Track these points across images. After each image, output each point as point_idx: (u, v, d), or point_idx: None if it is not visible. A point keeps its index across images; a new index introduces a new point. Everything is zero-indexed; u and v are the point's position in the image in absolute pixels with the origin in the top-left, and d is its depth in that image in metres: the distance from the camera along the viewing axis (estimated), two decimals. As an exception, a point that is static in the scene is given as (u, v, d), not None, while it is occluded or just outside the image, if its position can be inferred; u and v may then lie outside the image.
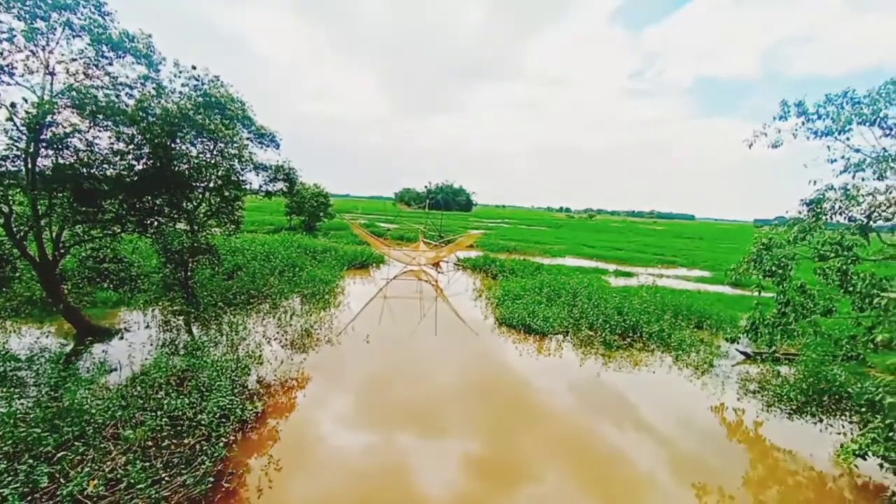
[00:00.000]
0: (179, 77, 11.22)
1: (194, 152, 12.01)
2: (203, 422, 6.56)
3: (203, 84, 11.56)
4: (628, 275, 24.98)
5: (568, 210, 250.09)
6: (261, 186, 14.00)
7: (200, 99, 11.38)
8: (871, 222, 7.13)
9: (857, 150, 7.18)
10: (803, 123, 7.79)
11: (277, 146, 13.69)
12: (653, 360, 11.82)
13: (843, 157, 7.41)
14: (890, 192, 6.73)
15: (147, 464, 5.54)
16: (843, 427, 8.63)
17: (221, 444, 6.24)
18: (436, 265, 25.41)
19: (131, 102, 9.90)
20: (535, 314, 13.86)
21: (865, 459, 6.08)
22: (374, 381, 9.52)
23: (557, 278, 18.47)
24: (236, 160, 12.78)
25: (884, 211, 6.75)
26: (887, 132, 6.86)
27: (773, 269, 8.50)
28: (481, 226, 56.46)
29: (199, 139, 11.81)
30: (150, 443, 6.00)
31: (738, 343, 12.52)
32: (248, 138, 13.02)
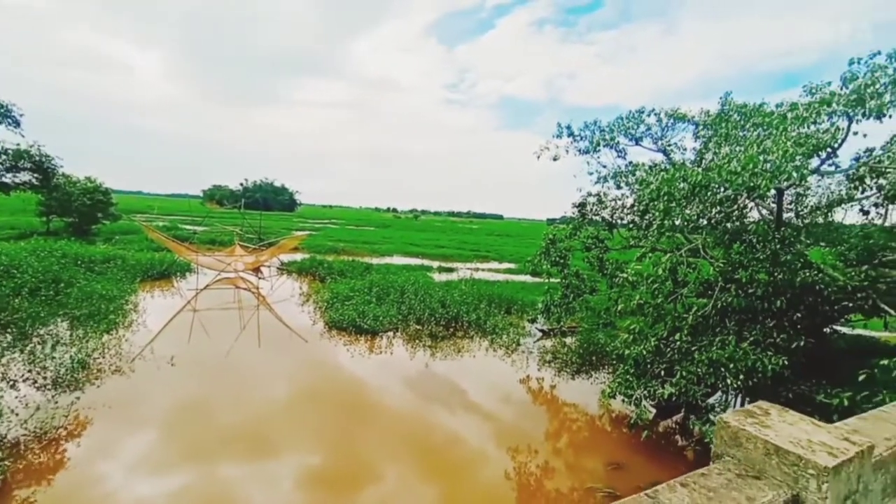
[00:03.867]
0: None
1: None
2: None
3: None
4: (450, 270, 27.34)
5: (395, 210, 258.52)
6: (-8, 178, 10.37)
7: None
8: (614, 221, 9.62)
9: (604, 167, 9.52)
10: (572, 143, 9.87)
11: (17, 123, 10.34)
12: (473, 345, 13.26)
13: (596, 171, 9.71)
14: (624, 199, 9.20)
15: None
16: (605, 378, 11.30)
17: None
18: (256, 270, 23.15)
19: None
20: (365, 314, 13.96)
21: (615, 398, 8.10)
22: (185, 410, 8.14)
23: (386, 277, 18.93)
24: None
25: (621, 212, 9.19)
26: (619, 154, 9.33)
27: (558, 259, 10.51)
28: (307, 226, 53.72)
29: None
30: None
31: (536, 322, 15.06)
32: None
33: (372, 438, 7.72)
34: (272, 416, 8.17)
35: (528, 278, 25.60)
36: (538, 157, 10.01)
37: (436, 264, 29.65)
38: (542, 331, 15.06)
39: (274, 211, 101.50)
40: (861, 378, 5.48)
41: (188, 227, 39.28)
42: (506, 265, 33.00)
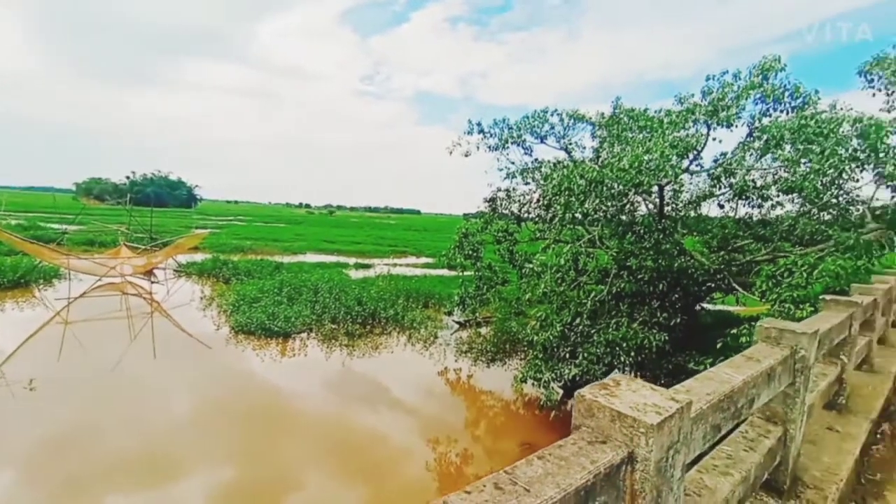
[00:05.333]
0: None
1: None
2: None
3: None
4: (367, 266, 26.85)
5: (308, 206, 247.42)
6: None
7: None
8: (522, 215, 10.20)
9: (513, 163, 10.02)
10: (483, 139, 10.20)
11: None
12: (391, 341, 13.19)
13: (506, 167, 10.17)
14: (531, 194, 9.78)
15: None
16: (518, 364, 11.94)
17: None
18: (148, 274, 20.65)
19: None
20: (275, 316, 13.17)
21: (526, 383, 8.62)
22: (52, 440, 6.96)
23: (298, 276, 18.06)
24: None
25: (528, 206, 9.77)
26: (526, 151, 9.89)
27: (471, 252, 10.84)
28: (208, 224, 49.16)
29: None
30: None
31: (453, 315, 15.41)
32: None
33: (290, 446, 7.34)
34: (173, 435, 7.37)
35: (445, 272, 25.97)
36: (451, 152, 10.22)
37: (352, 261, 28.92)
38: (458, 323, 15.44)
39: (169, 207, 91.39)
40: (719, 346, 6.47)
41: (55, 225, 33.61)
42: (424, 260, 33.25)
